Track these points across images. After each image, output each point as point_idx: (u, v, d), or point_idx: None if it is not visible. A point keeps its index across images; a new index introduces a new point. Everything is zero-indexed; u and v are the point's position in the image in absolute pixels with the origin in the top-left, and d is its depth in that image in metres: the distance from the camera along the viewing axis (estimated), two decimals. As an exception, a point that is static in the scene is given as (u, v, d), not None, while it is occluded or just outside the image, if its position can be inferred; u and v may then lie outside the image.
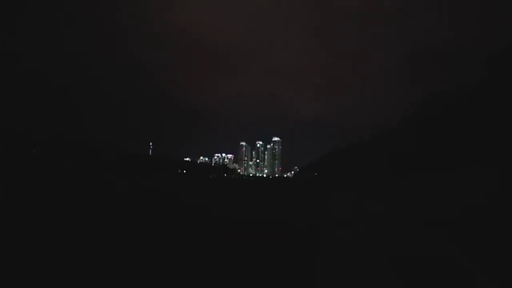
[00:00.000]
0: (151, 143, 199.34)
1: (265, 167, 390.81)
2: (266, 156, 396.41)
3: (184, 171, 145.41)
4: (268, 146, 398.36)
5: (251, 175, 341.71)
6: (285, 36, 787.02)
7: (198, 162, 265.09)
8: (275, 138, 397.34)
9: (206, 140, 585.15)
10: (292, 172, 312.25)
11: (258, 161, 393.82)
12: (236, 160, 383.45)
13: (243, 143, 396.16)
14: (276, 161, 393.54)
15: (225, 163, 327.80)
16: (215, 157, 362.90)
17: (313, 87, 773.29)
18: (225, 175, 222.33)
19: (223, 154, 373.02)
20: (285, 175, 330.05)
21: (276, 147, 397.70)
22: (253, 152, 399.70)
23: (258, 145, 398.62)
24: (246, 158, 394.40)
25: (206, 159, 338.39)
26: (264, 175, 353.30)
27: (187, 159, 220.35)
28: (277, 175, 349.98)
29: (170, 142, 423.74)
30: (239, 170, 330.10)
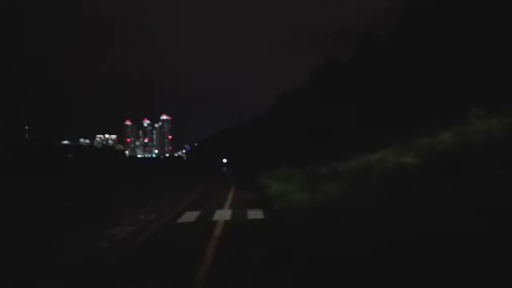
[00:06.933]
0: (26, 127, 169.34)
1: (154, 146, 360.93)
2: (154, 136, 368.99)
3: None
4: (156, 125, 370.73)
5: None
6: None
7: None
8: (164, 117, 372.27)
9: (84, 121, 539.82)
10: (184, 151, 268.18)
11: (146, 141, 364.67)
12: (121, 140, 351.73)
13: (128, 123, 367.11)
14: (166, 140, 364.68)
15: (110, 145, 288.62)
16: (97, 139, 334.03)
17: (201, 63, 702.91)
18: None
19: (106, 135, 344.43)
20: (176, 154, 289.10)
21: (166, 125, 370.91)
22: (140, 132, 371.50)
23: (146, 124, 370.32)
24: (132, 138, 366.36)
25: (87, 141, 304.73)
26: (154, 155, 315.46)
27: (66, 142, 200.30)
28: (167, 155, 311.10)
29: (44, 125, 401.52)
30: (126, 152, 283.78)
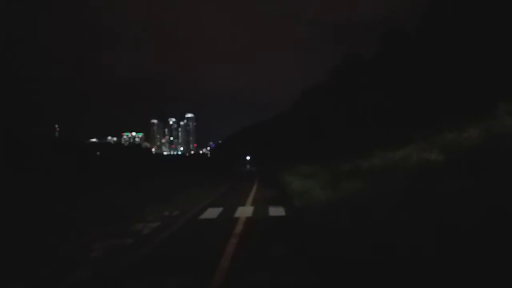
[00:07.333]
0: (57, 126, 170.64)
1: (180, 144, 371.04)
2: (180, 133, 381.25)
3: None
4: (182, 123, 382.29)
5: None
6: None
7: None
8: (189, 115, 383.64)
9: (110, 119, 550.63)
10: (208, 148, 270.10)
11: (171, 138, 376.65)
12: (147, 138, 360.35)
13: (154, 121, 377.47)
14: (191, 138, 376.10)
15: (136, 142, 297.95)
16: (124, 136, 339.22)
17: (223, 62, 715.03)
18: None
19: (133, 133, 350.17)
20: (200, 152, 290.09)
21: (190, 123, 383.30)
22: (166, 130, 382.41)
23: (171, 122, 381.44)
24: (158, 136, 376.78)
25: (115, 139, 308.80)
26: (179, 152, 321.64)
27: (94, 140, 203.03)
28: (192, 152, 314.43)
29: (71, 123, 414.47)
30: (152, 149, 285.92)
